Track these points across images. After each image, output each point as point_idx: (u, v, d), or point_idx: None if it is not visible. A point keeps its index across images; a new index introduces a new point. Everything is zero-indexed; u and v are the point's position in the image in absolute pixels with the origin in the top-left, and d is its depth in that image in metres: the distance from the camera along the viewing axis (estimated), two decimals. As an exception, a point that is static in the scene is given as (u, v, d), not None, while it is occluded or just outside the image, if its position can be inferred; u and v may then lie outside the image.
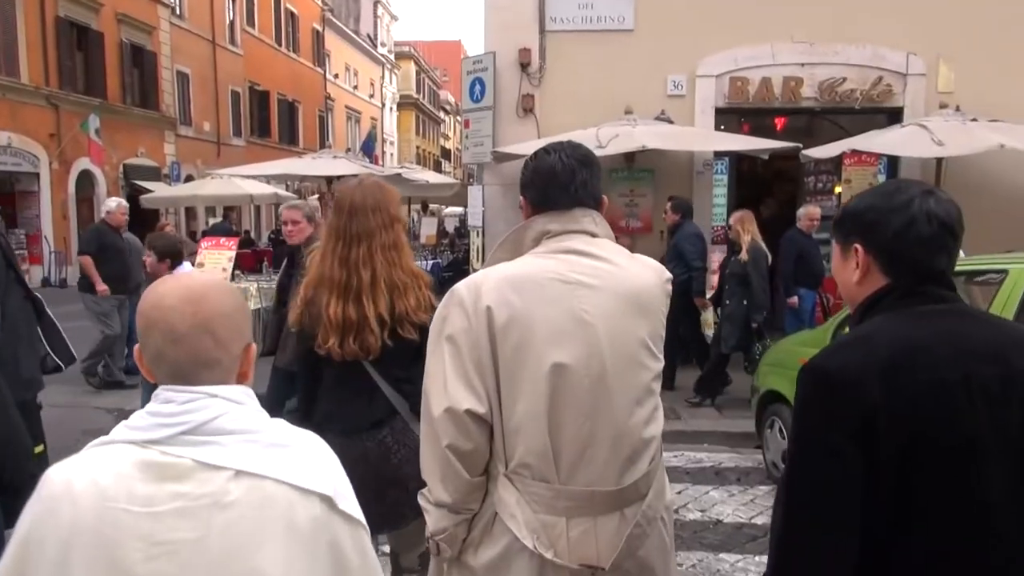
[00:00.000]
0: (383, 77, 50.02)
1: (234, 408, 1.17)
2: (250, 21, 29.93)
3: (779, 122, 9.80)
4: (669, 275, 1.85)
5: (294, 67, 34.20)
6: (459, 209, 29.76)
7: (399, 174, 12.44)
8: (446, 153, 64.98)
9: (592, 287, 1.67)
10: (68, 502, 1.09)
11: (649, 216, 8.91)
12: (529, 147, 8.63)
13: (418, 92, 56.97)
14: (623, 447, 1.68)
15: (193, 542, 1.09)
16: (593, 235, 1.76)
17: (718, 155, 9.06)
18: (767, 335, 6.79)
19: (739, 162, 9.61)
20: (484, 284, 1.66)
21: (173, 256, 4.75)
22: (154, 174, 22.37)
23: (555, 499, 1.63)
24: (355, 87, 43.98)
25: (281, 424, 1.23)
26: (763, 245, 6.87)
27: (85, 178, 19.60)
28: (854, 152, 8.01)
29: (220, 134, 27.26)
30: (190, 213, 23.72)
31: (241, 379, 1.24)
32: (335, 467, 1.23)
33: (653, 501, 1.75)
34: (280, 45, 32.88)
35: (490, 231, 8.86)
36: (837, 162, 8.57)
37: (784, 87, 8.87)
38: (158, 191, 19.27)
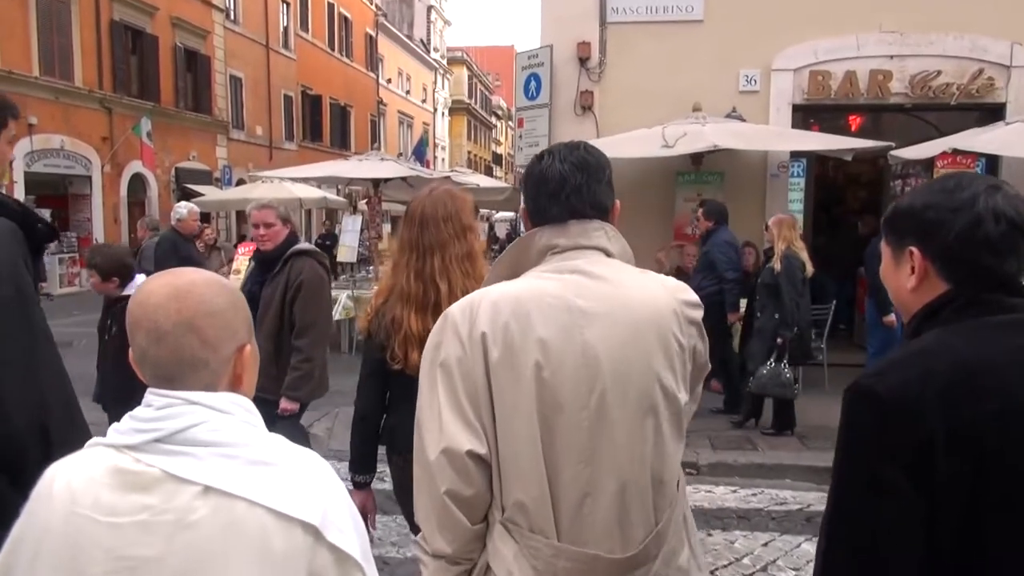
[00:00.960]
0: (435, 82, 49.97)
1: (216, 417, 1.07)
2: (303, 26, 29.99)
3: (853, 121, 8.96)
4: (690, 296, 1.61)
5: (347, 71, 34.22)
6: (510, 214, 29.56)
7: (448, 177, 11.92)
8: (497, 158, 64.77)
9: (598, 315, 1.47)
10: (46, 502, 1.06)
11: (718, 223, 8.16)
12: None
13: (470, 97, 56.90)
14: (630, 498, 1.48)
15: (153, 560, 1.01)
16: (607, 253, 1.56)
17: (794, 156, 8.28)
18: (789, 354, 6.05)
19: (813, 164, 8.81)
20: (480, 307, 1.49)
21: (121, 273, 3.85)
22: (206, 178, 22.39)
23: (555, 557, 1.46)
24: (407, 92, 43.97)
25: (275, 440, 1.12)
26: (802, 255, 6.09)
27: (137, 181, 19.64)
28: (950, 152, 7.16)
29: (272, 138, 27.29)
30: (241, 217, 23.67)
31: (235, 384, 1.14)
32: (331, 493, 1.11)
33: (661, 569, 1.53)
34: (333, 49, 32.92)
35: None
36: (927, 164, 7.71)
37: (871, 81, 8.05)
38: (209, 195, 19.19)
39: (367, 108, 36.59)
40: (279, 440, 1.13)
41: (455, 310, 1.52)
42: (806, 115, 8.45)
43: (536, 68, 8.44)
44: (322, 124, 31.49)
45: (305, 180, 15.63)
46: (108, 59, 18.38)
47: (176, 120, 21.08)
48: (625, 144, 7.49)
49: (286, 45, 28.52)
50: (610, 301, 1.49)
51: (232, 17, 24.64)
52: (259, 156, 26.01)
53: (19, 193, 15.64)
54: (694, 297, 1.62)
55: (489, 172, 52.91)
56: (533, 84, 8.50)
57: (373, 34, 37.74)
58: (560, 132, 8.32)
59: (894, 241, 1.30)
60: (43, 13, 16.33)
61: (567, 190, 1.54)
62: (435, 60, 49.54)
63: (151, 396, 1.09)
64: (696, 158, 8.02)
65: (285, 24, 28.51)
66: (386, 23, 39.86)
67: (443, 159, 47.51)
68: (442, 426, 1.45)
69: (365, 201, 13.94)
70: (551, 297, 1.47)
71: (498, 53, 74.81)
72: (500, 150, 66.86)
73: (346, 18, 34.39)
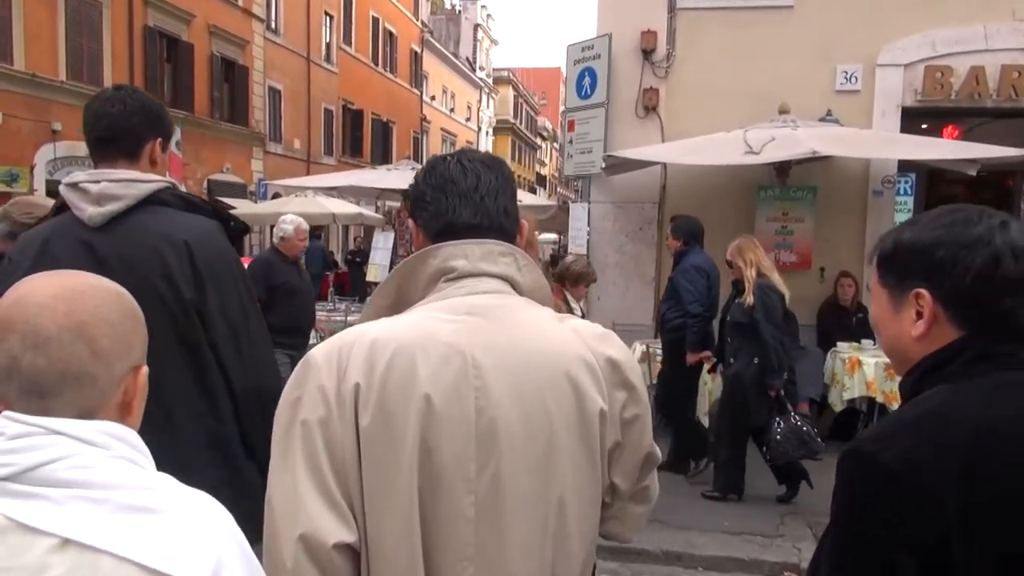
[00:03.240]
0: (480, 101, 49.34)
1: (83, 451, 0.88)
2: (347, 39, 29.38)
3: (951, 130, 7.46)
4: (613, 350, 1.24)
5: (390, 87, 33.57)
6: (553, 236, 28.40)
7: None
8: (541, 180, 63.90)
9: (498, 371, 1.15)
10: None
11: (808, 248, 6.78)
12: (651, 154, 6.76)
13: (515, 117, 56.28)
14: None
15: None
16: (514, 285, 1.24)
17: (901, 170, 6.88)
18: (794, 407, 4.99)
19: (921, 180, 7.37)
20: (353, 351, 1.14)
21: None
22: (240, 191, 21.62)
23: None
24: (452, 110, 43.33)
25: (159, 481, 0.93)
26: (776, 281, 4.98)
27: (167, 193, 18.86)
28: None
29: (311, 152, 26.55)
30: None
31: (123, 412, 0.97)
32: (225, 545, 0.91)
33: None
34: (377, 64, 32.29)
35: (596, 259, 6.93)
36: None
37: (1002, 80, 6.61)
38: (242, 208, 18.36)
39: (410, 125, 35.88)
40: (165, 481, 0.94)
41: (319, 355, 1.17)
42: (918, 120, 7.02)
43: (591, 61, 7.19)
44: (363, 139, 30.76)
45: (340, 195, 15.06)
46: (140, 66, 17.68)
47: (211, 131, 20.34)
48: (698, 150, 6.20)
49: (328, 58, 27.88)
50: (514, 354, 1.17)
51: (273, 28, 24.01)
52: (296, 170, 25.20)
53: (39, 202, 14.92)
54: (620, 351, 1.25)
55: (532, 193, 51.99)
56: (587, 80, 7.24)
57: (418, 50, 37.17)
58: (618, 136, 7.05)
59: (895, 282, 1.14)
60: (72, 16, 15.67)
61: (482, 190, 1.25)
62: (481, 79, 48.93)
63: (3, 422, 0.89)
64: (782, 170, 6.69)
65: (328, 37, 27.90)
66: (432, 40, 39.31)
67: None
68: (300, 508, 1.10)
69: (396, 214, 12.87)
70: (442, 344, 1.14)
71: (545, 74, 74.40)
72: (544, 171, 66.04)
73: (391, 33, 33.80)
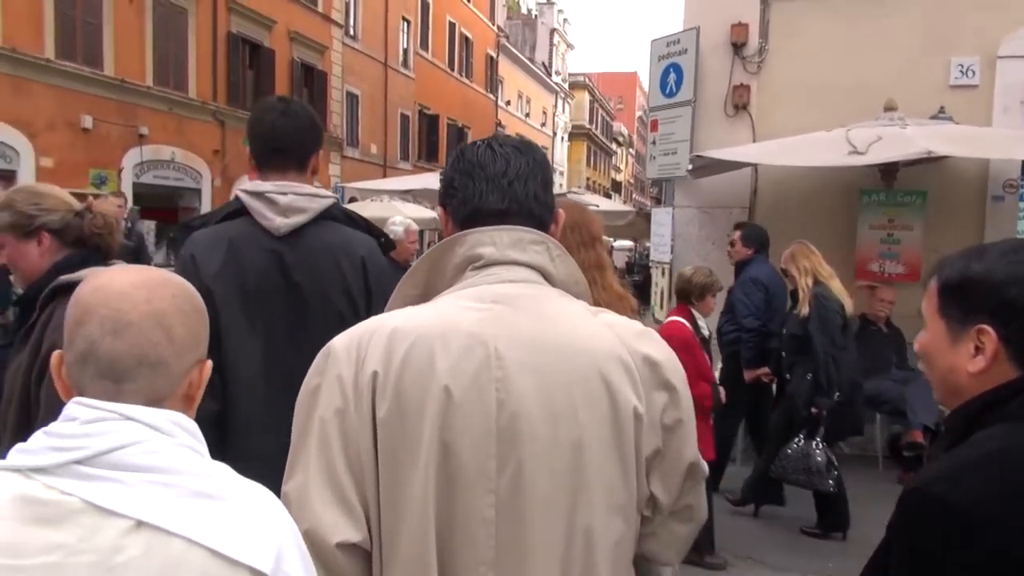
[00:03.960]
0: (556, 106, 49.06)
1: (154, 438, 0.91)
2: (424, 44, 29.55)
3: None
4: (651, 347, 1.14)
5: (466, 92, 33.64)
6: (629, 243, 27.79)
7: (565, 194, 10.39)
8: (616, 186, 63.15)
9: (523, 364, 1.08)
10: None
11: (917, 259, 6.16)
12: (743, 154, 6.28)
13: (591, 122, 55.80)
14: None
15: None
16: (546, 275, 1.18)
17: (1026, 173, 6.18)
18: (826, 429, 4.40)
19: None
20: (372, 340, 1.10)
21: None
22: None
23: None
24: (527, 115, 43.20)
25: (221, 470, 0.95)
26: (835, 289, 4.50)
27: (246, 196, 19.19)
28: None
29: (387, 157, 26.75)
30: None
31: (186, 403, 1.00)
32: (284, 535, 0.94)
33: None
34: (453, 70, 32.40)
35: (680, 268, 6.48)
36: None
37: None
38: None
39: (485, 129, 35.81)
40: (226, 471, 0.96)
41: (339, 344, 1.13)
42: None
43: (677, 57, 6.75)
44: (438, 144, 30.87)
45: (415, 199, 15.12)
46: (223, 71, 18.06)
47: (289, 135, 20.64)
48: (795, 150, 5.70)
49: (405, 63, 28.08)
50: (541, 347, 1.10)
51: (352, 33, 24.28)
52: (373, 175, 25.39)
53: (127, 204, 15.34)
54: (659, 349, 1.15)
55: (608, 199, 51.32)
56: (672, 77, 6.81)
57: (494, 55, 37.17)
58: (706, 136, 6.59)
59: (957, 315, 1.09)
60: (160, 22, 16.10)
61: (511, 175, 1.19)
62: (556, 84, 48.64)
63: (76, 407, 0.91)
64: (888, 172, 6.12)
65: (405, 43, 28.09)
66: (508, 45, 39.28)
67: (561, 184, 46.31)
68: (306, 503, 1.07)
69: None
70: (464, 334, 1.08)
71: (621, 79, 73.69)
72: (620, 177, 65.28)
73: (467, 38, 33.88)
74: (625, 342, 1.14)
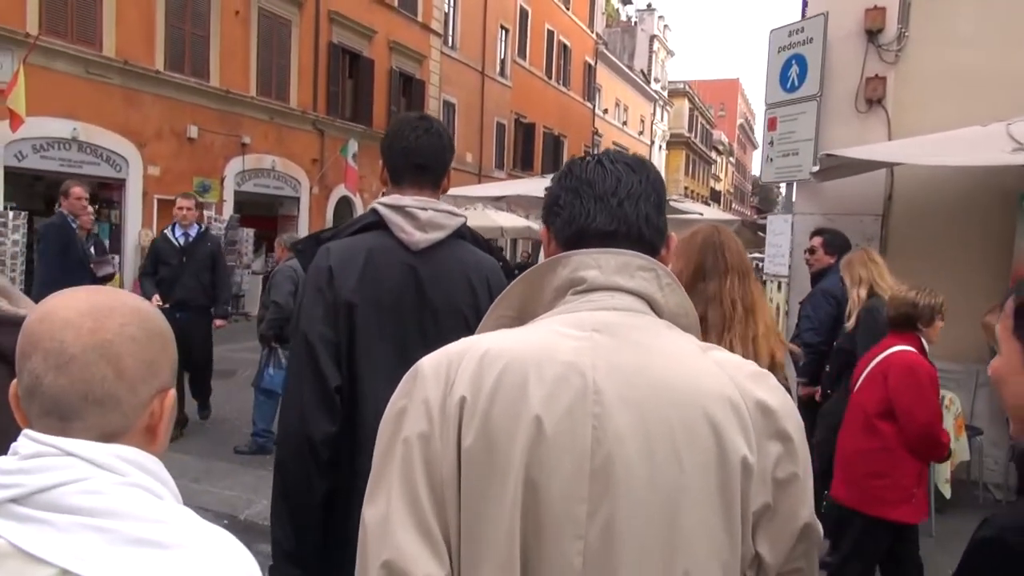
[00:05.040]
0: (654, 114, 48.09)
1: (96, 476, 0.84)
2: (521, 53, 29.36)
3: None
4: (766, 391, 1.02)
5: (562, 100, 33.25)
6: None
7: (668, 201, 9.77)
8: (716, 195, 61.40)
9: (624, 401, 0.98)
10: None
11: (1091, 274, 5.25)
12: (882, 153, 5.53)
13: (690, 131, 54.51)
14: None
15: None
16: (653, 305, 1.09)
17: None
18: None
19: None
20: (463, 362, 1.03)
21: None
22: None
23: None
24: (624, 123, 42.47)
25: (177, 514, 0.86)
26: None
27: (344, 205, 19.39)
28: None
29: (482, 165, 26.63)
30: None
31: (148, 437, 0.93)
32: None
33: None
34: (550, 78, 32.09)
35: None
36: None
37: None
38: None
39: (582, 138, 35.36)
40: (182, 514, 0.87)
41: (427, 365, 1.07)
42: None
43: (801, 47, 6.06)
44: (534, 153, 30.59)
45: (509, 207, 14.95)
46: (324, 81, 18.29)
47: (387, 144, 20.75)
48: (947, 148, 4.94)
49: (502, 72, 27.94)
50: (644, 382, 1.00)
51: (450, 43, 24.31)
52: (468, 183, 25.29)
53: (227, 212, 15.67)
54: (776, 395, 1.03)
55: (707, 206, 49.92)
56: (795, 70, 6.12)
57: (592, 63, 36.68)
58: (833, 134, 5.87)
59: None
60: (264, 34, 16.41)
61: (621, 194, 1.10)
62: (655, 91, 47.68)
63: (21, 441, 0.87)
64: (1054, 173, 5.23)
65: (503, 51, 27.96)
66: (606, 52, 38.72)
67: (658, 193, 45.37)
68: (389, 532, 1.00)
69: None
70: (561, 363, 1.00)
71: (722, 86, 71.87)
72: (719, 187, 63.45)
73: (565, 46, 33.51)
74: (737, 383, 1.02)
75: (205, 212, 15.28)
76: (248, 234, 15.83)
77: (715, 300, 2.16)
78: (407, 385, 1.07)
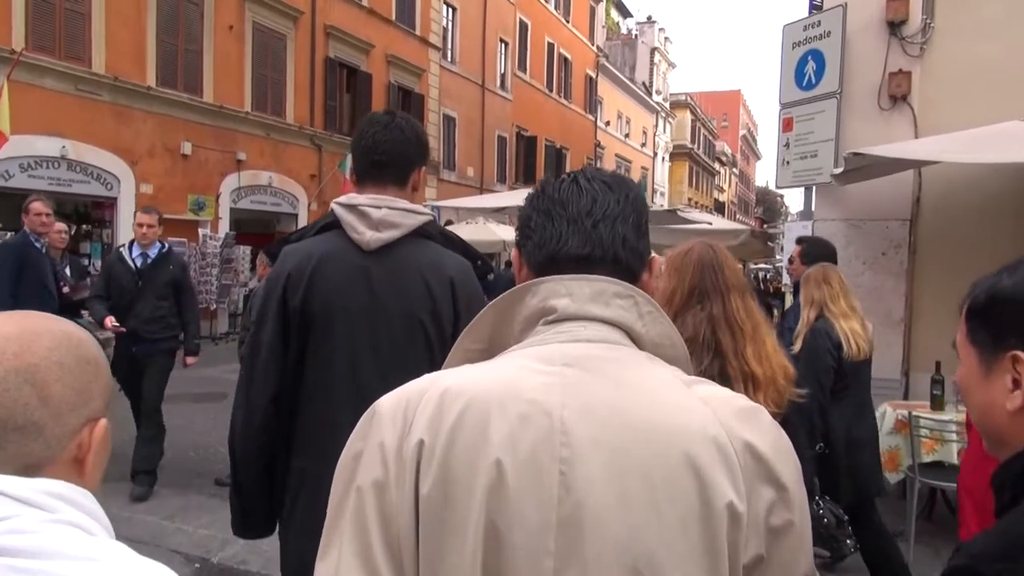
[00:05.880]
0: (656, 126, 47.88)
1: (22, 514, 0.78)
2: (522, 66, 29.14)
3: None
4: (756, 431, 0.91)
5: (564, 113, 33.01)
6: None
7: (676, 211, 9.38)
8: (720, 206, 61.17)
9: (594, 444, 0.89)
10: None
11: None
12: (916, 151, 5.10)
13: (693, 142, 54.31)
14: None
15: None
16: (632, 336, 0.99)
17: None
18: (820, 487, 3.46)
19: None
20: (422, 401, 0.94)
21: None
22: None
23: None
24: (627, 135, 42.24)
25: (111, 553, 0.79)
26: (843, 326, 3.54)
27: (343, 221, 19.04)
28: None
29: (484, 179, 26.33)
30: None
31: (76, 470, 0.88)
32: None
33: None
34: (551, 91, 31.86)
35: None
36: None
37: None
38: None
39: (584, 151, 35.10)
40: (115, 552, 0.80)
41: (385, 405, 0.98)
42: None
43: (817, 42, 5.68)
44: (535, 166, 30.29)
45: (511, 220, 14.79)
46: (320, 96, 18.01)
47: (386, 159, 20.47)
48: (979, 143, 4.54)
49: (503, 85, 27.70)
50: (617, 422, 0.90)
51: (449, 57, 24.07)
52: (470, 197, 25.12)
53: (223, 229, 15.33)
54: (767, 435, 0.92)
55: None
56: (811, 66, 5.74)
57: (593, 76, 36.48)
58: (854, 134, 5.48)
59: (985, 340, 0.97)
60: (259, 49, 16.14)
61: (596, 214, 1.02)
62: (657, 103, 47.49)
63: None
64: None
65: (503, 65, 27.74)
66: (607, 65, 38.53)
67: (662, 204, 45.12)
68: None
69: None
70: (525, 401, 0.90)
71: (723, 98, 71.79)
72: (723, 198, 63.17)
73: (566, 59, 33.31)
74: (723, 422, 0.90)
75: (200, 230, 15.08)
76: (245, 252, 15.47)
77: (722, 322, 2.09)
78: (363, 427, 0.98)
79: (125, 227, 13.26)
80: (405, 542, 0.90)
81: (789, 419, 2.13)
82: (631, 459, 0.88)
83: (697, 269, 2.15)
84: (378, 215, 1.85)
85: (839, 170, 4.99)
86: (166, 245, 5.56)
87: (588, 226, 1.01)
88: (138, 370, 5.28)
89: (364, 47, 19.38)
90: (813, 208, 5.84)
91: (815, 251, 4.49)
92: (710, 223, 11.15)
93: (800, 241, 4.76)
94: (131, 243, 5.46)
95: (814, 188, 5.81)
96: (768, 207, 67.03)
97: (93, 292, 5.51)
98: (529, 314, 1.00)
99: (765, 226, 18.18)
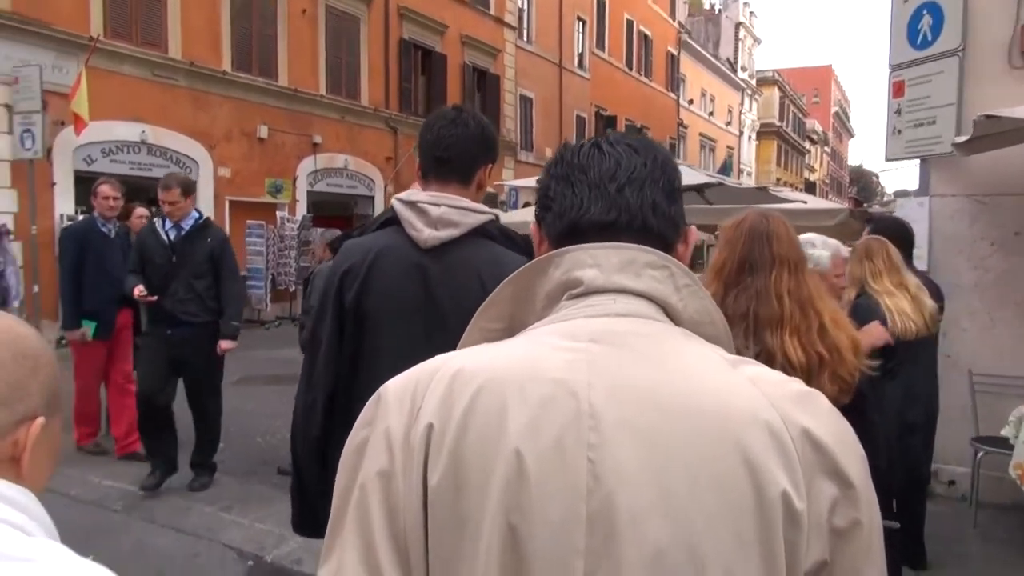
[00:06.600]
0: (742, 103, 46.22)
1: None
2: (600, 44, 28.40)
3: None
4: (813, 417, 0.79)
5: (645, 92, 32.10)
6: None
7: (766, 188, 8.72)
8: (810, 186, 58.78)
9: (627, 426, 0.78)
10: None
11: None
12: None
13: (781, 120, 52.28)
14: None
15: None
16: (668, 311, 0.89)
17: None
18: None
19: None
20: (432, 383, 0.85)
21: None
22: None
23: None
24: (711, 113, 40.86)
25: (48, 553, 0.77)
26: (888, 303, 3.20)
27: (418, 204, 18.94)
28: None
29: (561, 161, 25.83)
30: (523, 243, 22.41)
31: (12, 469, 0.85)
32: None
33: None
34: (631, 69, 31.00)
35: (943, 278, 4.68)
36: None
37: None
38: (489, 219, 17.93)
39: (666, 130, 34.09)
40: (53, 553, 0.77)
41: (392, 388, 0.89)
42: None
43: (934, -7, 4.97)
44: (615, 147, 29.62)
45: None
46: (395, 78, 17.87)
47: (462, 141, 20.25)
48: None
49: (581, 64, 27.06)
50: (656, 405, 0.79)
51: (525, 36, 23.59)
52: (547, 180, 24.70)
53: (300, 212, 15.37)
54: (827, 422, 0.80)
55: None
56: (926, 21, 5.03)
57: (675, 53, 35.34)
58: (980, 96, 4.76)
59: None
60: (332, 32, 16.08)
61: (620, 178, 0.91)
62: (742, 80, 45.76)
63: None
64: None
65: (581, 43, 27.06)
66: (690, 41, 37.26)
67: (748, 185, 43.62)
68: None
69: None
70: (549, 381, 0.81)
71: (814, 74, 68.77)
72: (813, 177, 60.69)
73: (646, 36, 32.33)
74: (777, 405, 0.78)
75: (278, 213, 15.15)
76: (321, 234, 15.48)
77: (763, 295, 1.97)
78: (369, 413, 0.88)
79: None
80: (413, 539, 0.82)
81: (862, 391, 1.99)
82: (668, 444, 0.78)
83: (748, 239, 2.05)
84: (437, 212, 1.83)
85: (964, 138, 4.31)
86: (203, 216, 5.02)
87: (612, 191, 0.92)
88: (177, 363, 4.79)
89: (438, 28, 19.12)
90: (930, 181, 5.14)
91: (888, 229, 3.93)
92: (805, 202, 10.38)
93: (868, 220, 4.24)
94: (164, 216, 4.93)
95: (931, 160, 5.12)
96: (863, 187, 63.92)
97: (128, 267, 5.00)
98: (552, 288, 0.91)
99: (864, 205, 17.00)
